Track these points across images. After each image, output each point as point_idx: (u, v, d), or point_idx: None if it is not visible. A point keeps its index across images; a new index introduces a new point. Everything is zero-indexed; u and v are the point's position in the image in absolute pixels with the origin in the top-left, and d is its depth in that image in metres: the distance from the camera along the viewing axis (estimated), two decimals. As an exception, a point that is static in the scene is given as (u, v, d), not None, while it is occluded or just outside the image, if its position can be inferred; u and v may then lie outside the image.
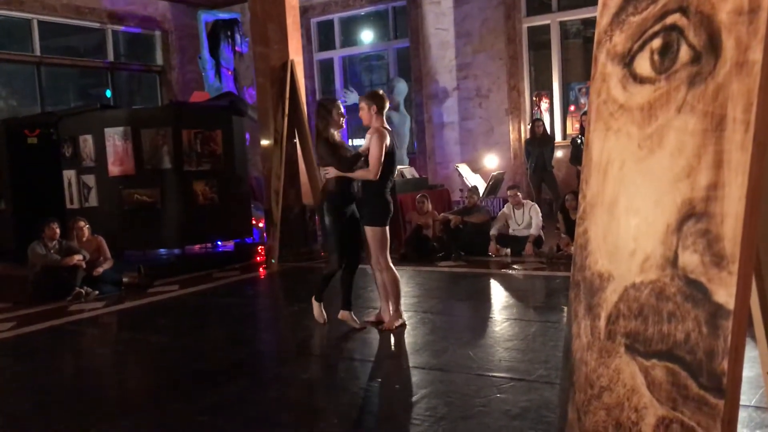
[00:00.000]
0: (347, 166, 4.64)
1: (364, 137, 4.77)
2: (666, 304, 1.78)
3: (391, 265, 4.73)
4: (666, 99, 1.83)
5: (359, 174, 4.62)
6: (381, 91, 4.76)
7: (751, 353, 2.21)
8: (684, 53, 1.79)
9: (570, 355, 2.16)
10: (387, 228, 4.68)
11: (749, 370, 3.03)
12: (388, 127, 4.68)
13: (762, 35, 1.57)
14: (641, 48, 1.94)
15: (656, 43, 1.88)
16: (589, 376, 2.03)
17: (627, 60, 1.99)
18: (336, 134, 4.81)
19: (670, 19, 1.83)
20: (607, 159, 2.05)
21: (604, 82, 2.08)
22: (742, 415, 2.82)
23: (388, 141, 4.55)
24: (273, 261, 7.77)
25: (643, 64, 1.93)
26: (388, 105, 4.71)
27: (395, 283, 4.73)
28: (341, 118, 4.80)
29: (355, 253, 4.87)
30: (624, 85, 2.00)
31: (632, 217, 1.93)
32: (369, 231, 4.65)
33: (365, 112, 4.60)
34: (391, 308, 4.78)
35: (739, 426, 1.72)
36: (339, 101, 5.02)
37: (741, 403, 1.83)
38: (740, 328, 1.61)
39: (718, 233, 1.64)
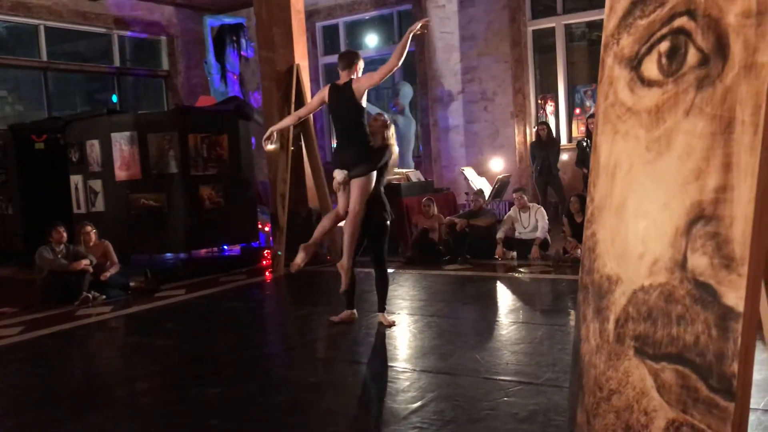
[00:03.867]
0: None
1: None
2: (675, 306, 1.79)
3: None
4: (674, 102, 1.83)
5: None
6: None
7: (760, 356, 2.21)
8: (692, 56, 1.79)
9: (579, 358, 2.16)
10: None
11: (758, 373, 3.01)
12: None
13: (770, 38, 1.57)
14: (649, 51, 1.94)
15: (664, 46, 1.89)
16: (598, 378, 2.03)
17: (634, 63, 1.99)
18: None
19: (677, 23, 1.84)
20: (615, 162, 2.06)
21: (612, 86, 2.09)
22: (751, 418, 2.81)
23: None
24: (279, 253, 7.74)
25: (651, 68, 1.93)
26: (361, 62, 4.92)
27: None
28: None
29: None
30: (631, 88, 2.00)
31: (641, 219, 1.93)
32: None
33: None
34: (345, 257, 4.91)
35: (748, 429, 1.71)
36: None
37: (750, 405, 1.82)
38: (750, 330, 1.61)
39: (727, 236, 1.64)
